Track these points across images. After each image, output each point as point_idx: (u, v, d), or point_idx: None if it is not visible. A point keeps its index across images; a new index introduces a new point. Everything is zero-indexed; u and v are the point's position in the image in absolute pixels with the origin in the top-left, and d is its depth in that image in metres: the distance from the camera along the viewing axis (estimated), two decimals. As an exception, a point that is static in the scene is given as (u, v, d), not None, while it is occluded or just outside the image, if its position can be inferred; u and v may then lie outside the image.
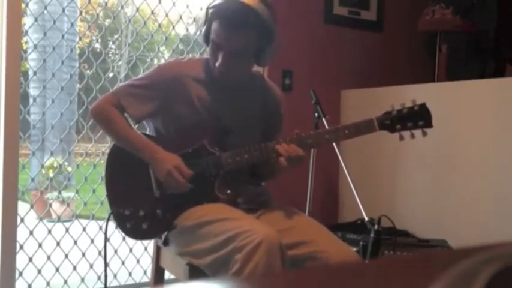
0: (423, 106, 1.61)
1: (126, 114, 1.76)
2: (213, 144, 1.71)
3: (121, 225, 1.74)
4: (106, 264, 1.92)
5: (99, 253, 2.83)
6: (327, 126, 2.43)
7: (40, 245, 2.69)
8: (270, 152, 1.66)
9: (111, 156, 1.80)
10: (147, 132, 1.83)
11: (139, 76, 1.82)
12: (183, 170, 1.65)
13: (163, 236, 1.76)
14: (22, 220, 2.57)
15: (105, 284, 1.93)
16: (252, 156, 1.67)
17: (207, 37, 1.72)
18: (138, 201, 1.72)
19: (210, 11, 1.68)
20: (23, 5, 2.63)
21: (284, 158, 1.63)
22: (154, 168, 1.68)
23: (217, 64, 1.67)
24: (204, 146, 1.70)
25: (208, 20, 1.70)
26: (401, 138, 1.63)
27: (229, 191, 1.71)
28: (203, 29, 1.73)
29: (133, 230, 1.73)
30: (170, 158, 1.66)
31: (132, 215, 1.72)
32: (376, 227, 1.98)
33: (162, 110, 1.75)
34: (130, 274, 2.93)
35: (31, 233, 2.64)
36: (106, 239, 1.88)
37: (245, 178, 1.80)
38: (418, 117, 1.61)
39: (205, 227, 1.59)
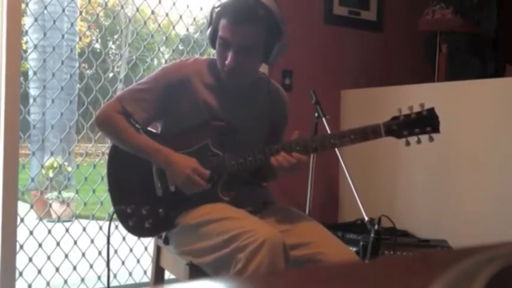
0: (431, 111, 1.56)
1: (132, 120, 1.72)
2: (217, 144, 1.70)
3: (123, 222, 1.74)
4: (109, 264, 1.92)
5: (99, 253, 2.83)
6: (327, 126, 2.43)
7: (40, 245, 2.69)
8: (273, 155, 1.63)
9: (113, 154, 1.78)
10: (151, 130, 1.80)
11: (143, 80, 1.77)
12: (201, 172, 1.63)
13: (163, 235, 1.76)
14: (22, 220, 2.57)
15: (108, 283, 1.93)
16: (255, 158, 1.65)
17: (213, 39, 1.69)
18: (140, 200, 1.72)
19: (216, 10, 1.66)
20: (23, 5, 2.63)
21: (277, 169, 1.61)
22: (170, 173, 1.66)
23: (226, 62, 1.63)
24: (208, 146, 1.69)
25: (214, 20, 1.67)
26: (407, 143, 1.58)
27: (232, 193, 1.70)
28: (208, 31, 1.71)
29: (136, 227, 1.72)
30: (185, 161, 1.63)
31: (134, 213, 1.71)
32: (376, 227, 1.98)
33: (167, 112, 1.73)
34: (130, 274, 2.94)
35: (31, 233, 2.64)
36: (109, 239, 1.88)
37: (248, 179, 1.79)
38: (425, 123, 1.55)
39: (207, 226, 1.58)
